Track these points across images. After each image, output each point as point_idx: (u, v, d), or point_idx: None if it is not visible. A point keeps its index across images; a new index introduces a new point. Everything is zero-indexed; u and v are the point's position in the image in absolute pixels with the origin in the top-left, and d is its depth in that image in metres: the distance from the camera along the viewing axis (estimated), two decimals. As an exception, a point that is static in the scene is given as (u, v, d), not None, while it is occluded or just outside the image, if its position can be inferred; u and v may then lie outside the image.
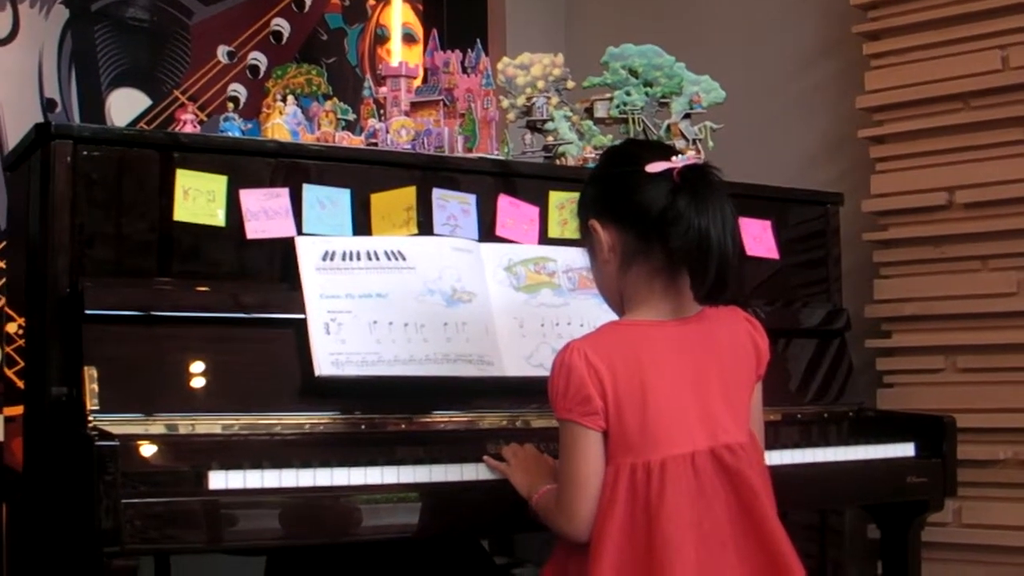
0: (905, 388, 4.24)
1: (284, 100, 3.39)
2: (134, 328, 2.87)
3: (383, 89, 3.55)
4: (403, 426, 3.05)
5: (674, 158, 2.52)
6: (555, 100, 3.70)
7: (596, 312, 3.17)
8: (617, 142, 3.53)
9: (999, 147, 4.09)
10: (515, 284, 3.23)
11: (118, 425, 2.70)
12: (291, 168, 3.15)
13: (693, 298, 2.52)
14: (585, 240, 2.66)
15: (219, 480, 2.60)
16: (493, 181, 3.39)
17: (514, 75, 3.72)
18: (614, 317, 2.64)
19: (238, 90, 5.00)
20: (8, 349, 3.37)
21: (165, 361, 2.88)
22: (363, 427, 3.00)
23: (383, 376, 2.99)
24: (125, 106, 4.80)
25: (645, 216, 2.51)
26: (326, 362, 2.94)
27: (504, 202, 3.36)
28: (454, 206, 3.27)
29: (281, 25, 5.17)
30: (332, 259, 3.05)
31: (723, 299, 2.53)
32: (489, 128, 3.54)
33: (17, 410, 3.13)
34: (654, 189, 2.50)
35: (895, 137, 4.31)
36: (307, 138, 3.32)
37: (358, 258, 3.08)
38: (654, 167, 2.51)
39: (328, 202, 3.13)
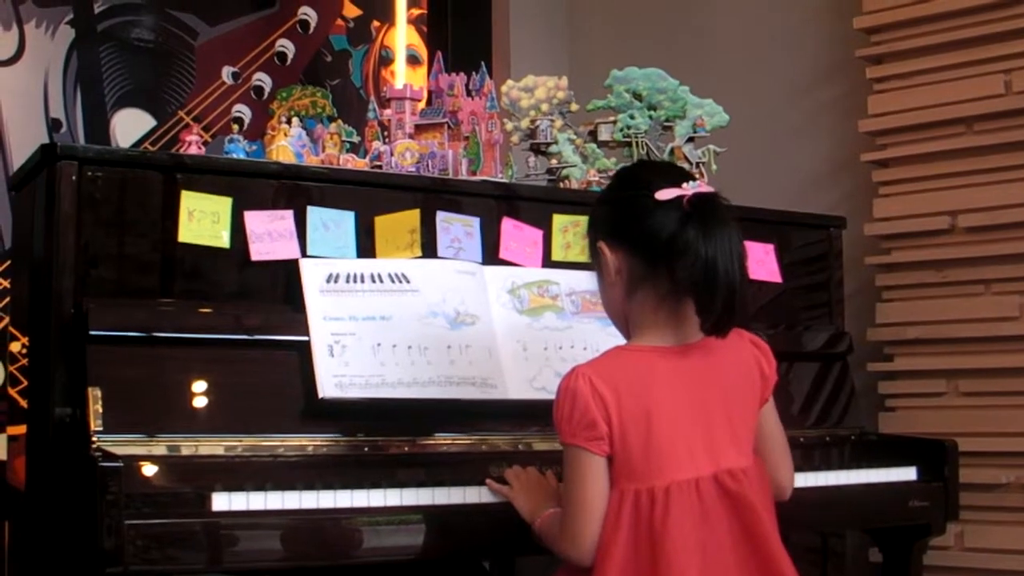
0: (907, 412, 4.24)
1: (288, 122, 3.39)
2: (138, 349, 2.88)
3: (387, 111, 3.56)
4: (406, 448, 3.05)
5: (684, 185, 2.51)
6: (559, 123, 3.71)
7: (599, 336, 3.18)
8: (630, 164, 3.54)
9: (1002, 171, 4.09)
10: (518, 307, 3.24)
11: (121, 446, 2.70)
12: (295, 190, 3.15)
13: (700, 328, 2.51)
14: (593, 261, 2.65)
15: (222, 502, 2.60)
16: (497, 204, 3.39)
17: (518, 98, 3.73)
18: (618, 341, 2.64)
19: (242, 111, 5.01)
20: (12, 368, 3.37)
21: (169, 382, 2.88)
22: (366, 449, 3.00)
23: (386, 398, 2.99)
24: (130, 127, 4.81)
25: (653, 243, 2.50)
26: (329, 384, 2.94)
27: (508, 225, 3.36)
28: (458, 229, 3.27)
29: (286, 46, 5.18)
30: (336, 281, 3.05)
31: (729, 331, 2.53)
32: (493, 151, 3.55)
33: (20, 429, 3.13)
34: (663, 216, 2.49)
35: (898, 161, 4.31)
36: (311, 160, 3.33)
37: (362, 280, 3.08)
38: (664, 194, 2.50)
39: (332, 224, 3.14)
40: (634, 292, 2.56)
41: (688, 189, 2.50)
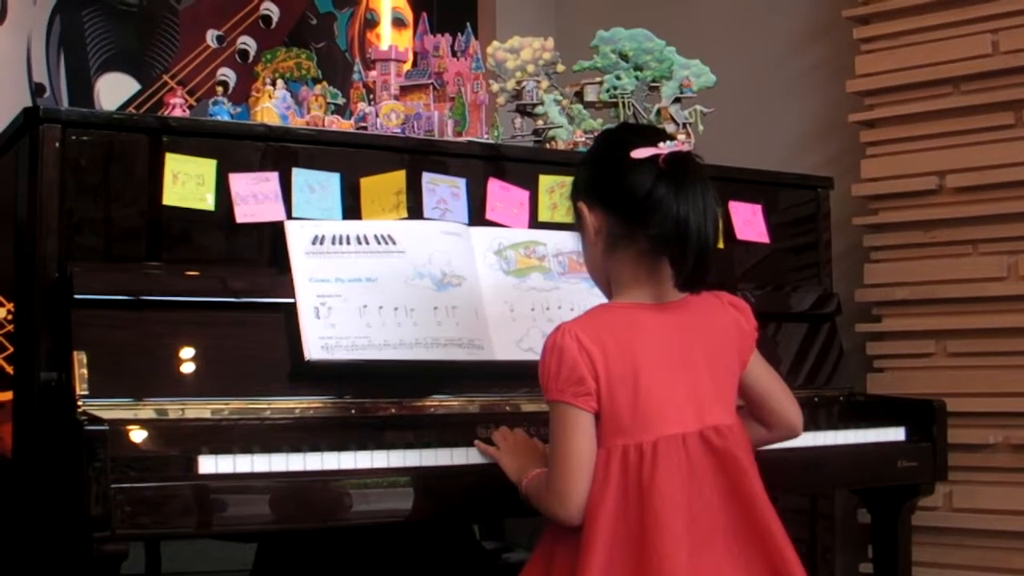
0: (895, 372, 4.24)
1: (273, 84, 3.38)
2: (123, 313, 2.86)
3: (373, 73, 3.55)
4: (393, 410, 3.04)
5: (661, 144, 2.52)
6: (545, 84, 3.69)
7: (586, 296, 3.16)
8: (612, 126, 3.53)
9: (989, 131, 4.09)
10: (505, 268, 3.23)
11: (107, 410, 2.69)
12: (280, 152, 3.14)
13: (674, 285, 2.52)
14: (575, 222, 2.66)
15: (209, 465, 2.59)
16: (483, 165, 3.38)
17: (504, 59, 3.71)
18: (603, 301, 2.64)
19: (227, 75, 4.99)
20: (-2, 335, 3.36)
21: (155, 346, 2.87)
22: (353, 411, 3.00)
23: (373, 360, 2.98)
24: (114, 91, 4.79)
25: (629, 201, 2.52)
26: (316, 346, 2.93)
27: (494, 186, 3.35)
28: (444, 190, 3.26)
29: (270, 9, 5.16)
30: (322, 243, 3.04)
31: (704, 287, 2.54)
32: (479, 112, 3.54)
33: (6, 396, 3.11)
34: (639, 175, 2.51)
35: (885, 121, 4.31)
36: (296, 122, 3.31)
37: (348, 242, 3.07)
38: (639, 153, 2.51)
39: (318, 186, 3.12)
40: (613, 251, 2.57)
41: (664, 148, 2.51)
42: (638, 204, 2.50)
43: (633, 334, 2.50)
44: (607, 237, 2.57)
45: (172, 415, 2.81)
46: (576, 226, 2.67)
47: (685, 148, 2.55)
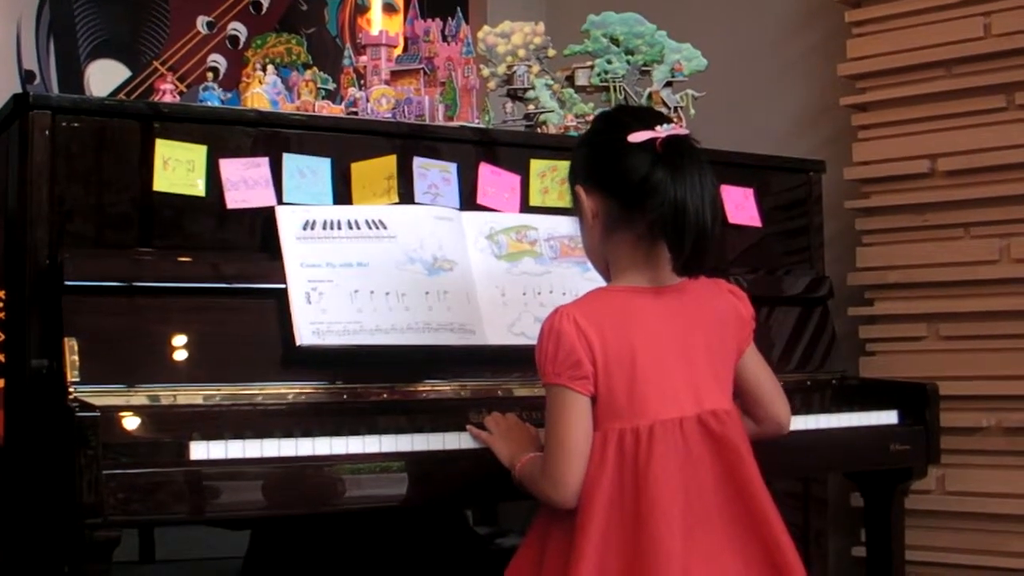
0: (888, 356, 4.24)
1: (264, 69, 3.37)
2: (115, 299, 2.86)
3: (363, 58, 3.54)
4: (385, 395, 3.04)
5: (658, 127, 2.51)
6: (536, 68, 3.69)
7: (578, 280, 3.17)
8: (608, 108, 3.52)
9: (981, 114, 4.09)
10: (496, 252, 3.22)
11: (99, 396, 2.68)
12: (271, 137, 3.13)
13: (672, 269, 2.52)
14: (573, 206, 2.66)
15: (200, 451, 2.59)
16: (474, 149, 3.38)
17: (495, 43, 3.71)
18: (596, 285, 2.64)
19: (218, 61, 4.98)
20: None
21: (146, 332, 2.87)
22: (345, 396, 2.99)
23: (365, 345, 2.98)
24: (104, 77, 4.77)
25: (626, 185, 2.51)
26: (307, 331, 2.93)
27: (485, 170, 3.35)
28: (435, 175, 3.25)
29: (261, -5, 5.15)
30: (313, 228, 3.04)
31: (702, 271, 2.54)
32: (470, 96, 3.54)
33: (-2, 383, 3.11)
34: (635, 158, 2.50)
35: (877, 105, 4.31)
36: (287, 107, 3.31)
37: (339, 227, 3.06)
38: (636, 136, 2.51)
39: (308, 171, 3.12)
40: (611, 235, 2.56)
41: (661, 131, 2.50)
42: (635, 188, 2.49)
43: (630, 318, 2.50)
44: (604, 221, 2.57)
45: (164, 401, 2.81)
46: (574, 210, 2.66)
47: (682, 131, 2.55)
